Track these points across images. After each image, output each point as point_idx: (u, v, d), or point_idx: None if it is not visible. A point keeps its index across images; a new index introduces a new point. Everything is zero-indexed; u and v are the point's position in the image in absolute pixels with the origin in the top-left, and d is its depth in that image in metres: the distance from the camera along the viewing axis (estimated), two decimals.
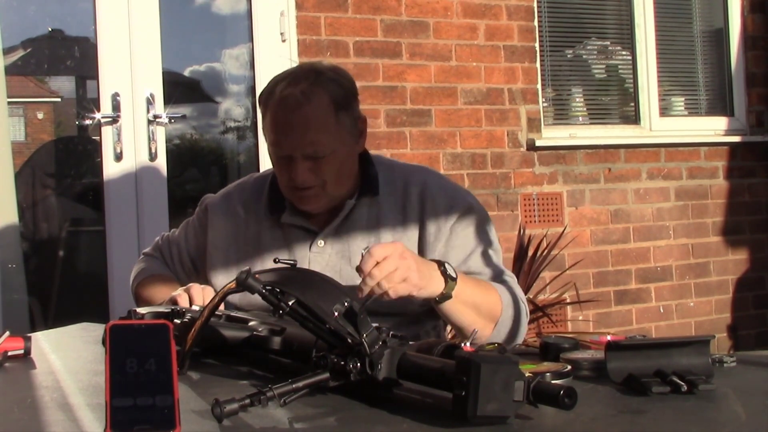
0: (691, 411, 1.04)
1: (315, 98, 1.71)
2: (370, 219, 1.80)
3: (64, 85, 4.26)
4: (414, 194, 1.80)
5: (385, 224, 1.80)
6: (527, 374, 1.01)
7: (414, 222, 1.79)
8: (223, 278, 1.81)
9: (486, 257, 1.79)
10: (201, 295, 1.64)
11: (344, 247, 1.79)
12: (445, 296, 1.57)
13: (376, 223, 1.80)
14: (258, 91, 3.69)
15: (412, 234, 1.79)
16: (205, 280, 1.85)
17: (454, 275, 1.57)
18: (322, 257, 1.80)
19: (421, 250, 1.77)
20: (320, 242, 1.80)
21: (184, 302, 1.61)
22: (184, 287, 1.69)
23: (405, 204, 1.80)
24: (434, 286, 1.55)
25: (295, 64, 3.69)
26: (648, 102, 4.60)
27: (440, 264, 1.58)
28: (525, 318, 1.74)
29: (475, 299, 1.64)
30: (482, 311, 1.65)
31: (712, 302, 4.66)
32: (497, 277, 1.76)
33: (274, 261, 1.42)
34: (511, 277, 1.78)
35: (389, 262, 1.45)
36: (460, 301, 1.59)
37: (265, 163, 3.63)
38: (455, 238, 1.77)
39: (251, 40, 3.74)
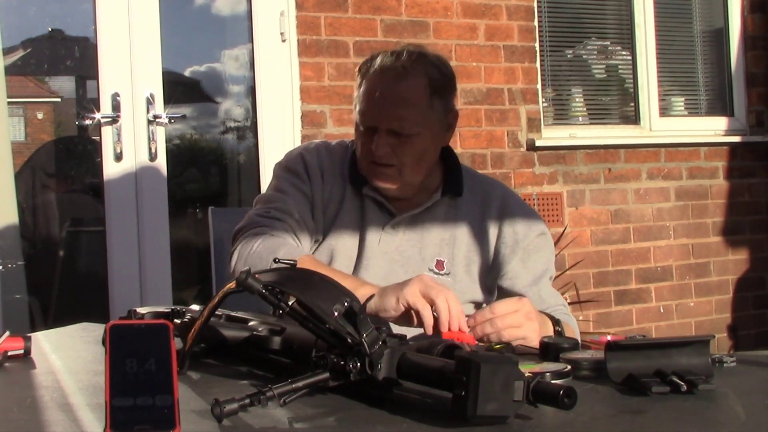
0: (691, 411, 1.04)
1: (413, 75, 1.73)
2: (448, 217, 1.82)
3: (64, 85, 4.26)
4: (495, 205, 1.83)
5: (463, 226, 1.82)
6: (527, 374, 1.00)
7: (492, 231, 1.82)
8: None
9: (549, 283, 1.85)
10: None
11: (417, 237, 1.81)
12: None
13: (454, 223, 1.82)
14: (258, 92, 3.72)
15: (490, 242, 1.81)
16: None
17: (561, 329, 1.62)
18: (393, 240, 1.80)
19: (495, 261, 1.81)
20: (395, 224, 1.81)
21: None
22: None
23: (485, 212, 1.83)
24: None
25: (296, 64, 3.71)
26: (648, 102, 4.60)
27: (555, 322, 1.62)
28: None
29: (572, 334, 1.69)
30: None
31: (712, 302, 4.66)
32: (559, 304, 1.81)
33: (274, 261, 1.42)
34: (565, 306, 1.83)
35: (516, 317, 1.47)
36: None
37: (266, 163, 3.63)
38: (528, 259, 1.81)
39: (251, 40, 3.74)
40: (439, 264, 1.80)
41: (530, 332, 1.48)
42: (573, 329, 1.76)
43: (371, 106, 1.74)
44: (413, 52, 1.77)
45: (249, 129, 3.95)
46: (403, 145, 1.72)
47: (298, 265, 1.76)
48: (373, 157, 1.73)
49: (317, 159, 1.87)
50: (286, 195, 1.82)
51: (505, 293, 1.81)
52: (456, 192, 1.83)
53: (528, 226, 1.83)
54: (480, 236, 1.81)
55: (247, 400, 0.97)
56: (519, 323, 1.47)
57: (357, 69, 1.83)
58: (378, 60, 1.76)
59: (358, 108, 1.77)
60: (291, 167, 1.87)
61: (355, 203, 1.81)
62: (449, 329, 1.43)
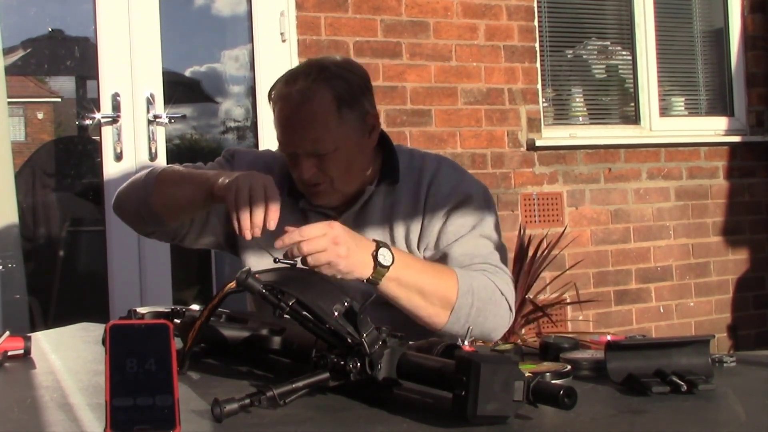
0: (690, 411, 1.04)
1: (316, 96, 1.70)
2: (385, 207, 1.80)
3: (64, 85, 4.26)
4: (425, 182, 1.80)
5: (398, 213, 1.80)
6: (527, 374, 1.00)
7: (420, 210, 1.79)
8: (250, 252, 1.80)
9: (474, 245, 1.75)
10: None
11: (360, 233, 1.74)
12: (372, 281, 1.54)
13: (391, 211, 1.80)
14: (258, 92, 3.72)
15: (418, 222, 1.79)
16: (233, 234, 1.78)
17: (387, 262, 1.54)
18: None
19: (421, 237, 1.77)
20: None
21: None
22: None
23: (417, 191, 1.80)
24: (362, 270, 1.52)
25: (296, 65, 3.71)
26: (648, 102, 4.60)
27: (378, 247, 1.55)
28: (497, 309, 1.67)
29: (420, 284, 1.60)
30: (430, 297, 1.61)
31: (712, 302, 4.66)
32: (477, 264, 1.71)
33: (275, 261, 1.42)
34: (493, 271, 1.71)
35: (318, 242, 1.45)
36: (399, 285, 1.57)
37: None
38: (449, 224, 1.76)
39: (251, 40, 3.74)
40: None
41: (335, 257, 1.46)
42: (446, 274, 1.64)
43: (284, 133, 1.73)
44: (310, 71, 1.73)
45: (249, 129, 3.95)
46: (326, 162, 1.71)
47: (160, 177, 1.81)
48: (302, 179, 1.74)
49: (255, 167, 1.83)
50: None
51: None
52: (392, 179, 1.80)
53: (450, 193, 1.78)
54: (414, 218, 1.79)
55: (247, 400, 0.97)
56: (324, 247, 1.45)
57: (268, 95, 1.80)
58: (278, 87, 1.75)
59: (276, 136, 1.77)
60: (221, 161, 1.92)
61: (295, 216, 1.79)
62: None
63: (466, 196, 1.79)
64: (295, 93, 1.71)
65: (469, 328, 1.51)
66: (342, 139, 1.72)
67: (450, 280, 1.64)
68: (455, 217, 1.77)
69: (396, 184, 1.81)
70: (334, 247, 1.47)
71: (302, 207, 1.82)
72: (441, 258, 1.76)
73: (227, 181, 1.58)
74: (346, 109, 1.72)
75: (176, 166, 1.88)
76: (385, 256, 1.54)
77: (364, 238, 1.59)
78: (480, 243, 1.76)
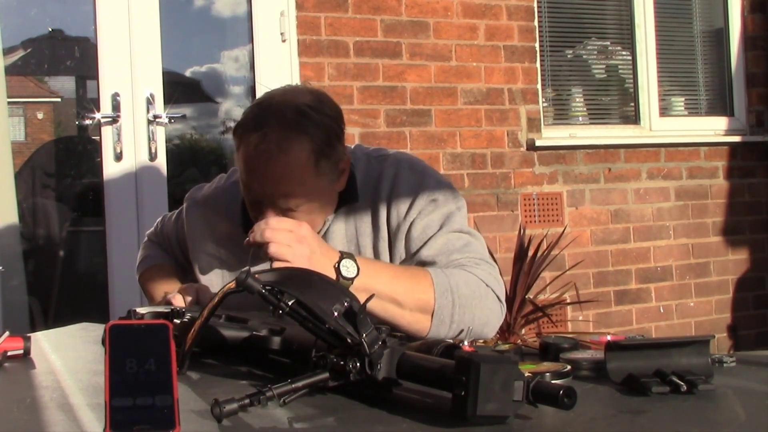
0: (690, 411, 1.04)
1: (292, 148, 1.55)
2: (348, 231, 1.69)
3: (64, 85, 4.26)
4: (384, 192, 1.68)
5: (362, 233, 1.69)
6: (527, 374, 1.00)
7: (384, 222, 1.68)
8: (205, 279, 1.77)
9: (444, 241, 1.64)
10: (192, 299, 1.62)
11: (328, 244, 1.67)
12: None
13: (355, 233, 1.69)
14: (258, 92, 3.72)
15: (384, 235, 1.68)
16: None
17: (350, 274, 1.45)
18: None
19: (391, 249, 1.67)
20: None
21: (179, 302, 1.60)
22: (181, 287, 1.68)
23: (378, 202, 1.68)
24: None
25: (296, 65, 3.71)
26: (648, 102, 4.60)
27: (341, 258, 1.47)
28: (484, 302, 1.58)
29: (392, 293, 1.50)
30: (406, 304, 1.52)
31: (712, 302, 4.66)
32: (455, 260, 1.61)
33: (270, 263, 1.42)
34: (474, 263, 1.61)
35: (283, 235, 1.42)
36: (369, 294, 1.48)
37: None
38: (414, 229, 1.65)
39: (251, 40, 3.74)
40: None
41: (296, 256, 1.41)
42: (419, 277, 1.54)
43: (251, 181, 1.58)
44: (283, 114, 1.56)
45: None
46: (294, 213, 1.58)
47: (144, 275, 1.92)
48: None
49: (203, 210, 1.83)
50: (170, 231, 1.98)
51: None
52: (352, 200, 1.68)
53: (412, 201, 1.66)
54: (380, 232, 1.68)
55: (247, 400, 0.97)
56: (288, 243, 1.42)
57: (233, 130, 1.64)
58: (247, 129, 1.57)
59: (240, 176, 1.62)
60: (181, 211, 1.91)
61: (249, 249, 1.60)
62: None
63: (429, 199, 1.68)
64: (267, 143, 1.54)
65: (461, 330, 1.46)
66: (315, 192, 1.60)
67: (424, 283, 1.54)
68: (420, 220, 1.66)
69: (356, 202, 1.68)
70: (298, 245, 1.43)
71: None
72: (416, 264, 1.65)
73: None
74: (323, 161, 1.58)
75: (149, 265, 1.98)
76: (348, 268, 1.46)
77: (330, 247, 1.52)
78: (452, 238, 1.65)
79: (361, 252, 1.67)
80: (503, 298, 1.63)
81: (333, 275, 1.44)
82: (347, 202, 1.69)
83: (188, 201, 1.91)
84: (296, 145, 1.55)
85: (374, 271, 1.51)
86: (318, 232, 1.64)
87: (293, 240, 1.44)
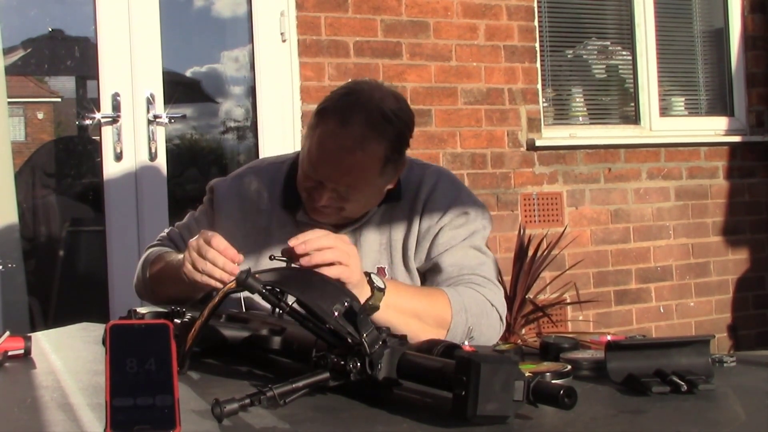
0: (691, 411, 1.04)
1: (368, 147, 1.64)
2: (382, 224, 1.79)
3: (64, 85, 4.26)
4: (422, 196, 1.79)
5: (398, 228, 1.79)
6: (527, 374, 1.00)
7: (416, 224, 1.78)
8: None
9: (463, 255, 1.75)
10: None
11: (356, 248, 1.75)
12: (372, 307, 1.45)
13: (389, 226, 1.79)
14: (258, 92, 3.72)
15: (413, 236, 1.78)
16: None
17: (381, 285, 1.51)
18: None
19: (416, 251, 1.77)
20: None
21: (217, 241, 1.52)
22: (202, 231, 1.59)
23: (415, 205, 1.79)
24: (360, 290, 1.46)
25: (296, 65, 3.71)
26: (648, 102, 4.60)
27: (367, 274, 1.52)
28: (489, 321, 1.68)
29: (414, 307, 1.58)
30: (426, 319, 1.60)
31: (712, 302, 4.66)
32: (465, 276, 1.71)
33: (270, 258, 1.42)
34: (483, 284, 1.71)
35: (334, 252, 1.43)
36: (396, 310, 1.53)
37: None
38: (441, 236, 1.76)
39: (251, 41, 3.74)
40: (381, 271, 1.76)
41: (346, 273, 1.43)
42: (438, 295, 1.64)
43: (319, 164, 1.66)
44: (370, 114, 1.64)
45: (249, 129, 3.95)
46: (347, 201, 1.69)
47: (152, 277, 1.84)
48: (314, 202, 1.70)
49: (237, 190, 1.85)
50: (190, 225, 1.92)
51: (421, 274, 1.79)
52: (395, 198, 1.79)
53: (447, 208, 1.77)
54: (410, 233, 1.78)
55: (247, 400, 0.97)
56: (347, 252, 1.45)
57: (317, 107, 1.71)
58: (332, 119, 1.65)
59: (306, 156, 1.69)
60: (206, 199, 1.92)
61: (287, 229, 1.74)
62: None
63: (462, 211, 1.79)
64: (348, 134, 1.63)
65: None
66: (373, 188, 1.72)
67: (442, 301, 1.63)
68: (448, 229, 1.77)
69: (398, 201, 1.79)
70: (348, 257, 1.45)
71: (299, 219, 1.78)
72: (431, 268, 1.76)
73: (181, 259, 1.59)
74: (389, 166, 1.69)
75: (156, 254, 1.88)
76: (378, 280, 1.52)
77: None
78: (470, 254, 1.76)
79: (392, 246, 1.79)
80: (504, 318, 1.73)
81: (368, 287, 1.49)
82: (391, 199, 1.79)
83: (214, 183, 1.92)
84: (374, 146, 1.64)
85: (397, 289, 1.59)
86: (360, 220, 1.77)
87: (342, 255, 1.45)
